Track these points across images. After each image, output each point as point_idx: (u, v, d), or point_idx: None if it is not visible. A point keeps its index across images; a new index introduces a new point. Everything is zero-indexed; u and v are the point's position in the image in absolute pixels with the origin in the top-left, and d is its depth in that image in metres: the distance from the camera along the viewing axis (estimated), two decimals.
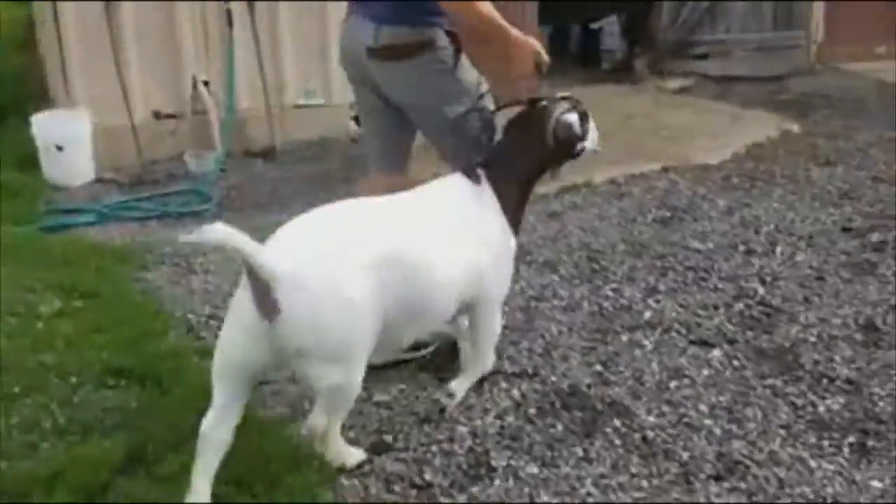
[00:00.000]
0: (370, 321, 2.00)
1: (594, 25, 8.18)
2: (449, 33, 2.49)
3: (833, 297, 3.53)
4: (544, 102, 2.45)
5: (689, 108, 6.85)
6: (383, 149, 2.76)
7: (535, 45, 2.44)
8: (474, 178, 2.35)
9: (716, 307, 3.46)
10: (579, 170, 4.23)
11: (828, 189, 4.90)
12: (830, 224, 4.35)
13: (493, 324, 2.52)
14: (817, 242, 4.11)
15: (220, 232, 1.75)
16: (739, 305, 3.47)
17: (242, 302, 1.93)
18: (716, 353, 3.09)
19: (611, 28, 8.26)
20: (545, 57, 2.44)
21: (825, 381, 2.90)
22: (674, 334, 3.24)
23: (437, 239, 2.19)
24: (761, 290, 3.59)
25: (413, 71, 2.48)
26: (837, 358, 3.04)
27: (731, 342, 3.18)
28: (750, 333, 3.24)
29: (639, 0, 7.70)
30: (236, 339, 1.96)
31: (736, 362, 3.04)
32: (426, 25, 2.45)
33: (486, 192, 2.36)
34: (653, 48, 7.71)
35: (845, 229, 4.25)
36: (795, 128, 6.26)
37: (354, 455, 2.28)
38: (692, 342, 3.17)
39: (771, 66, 7.71)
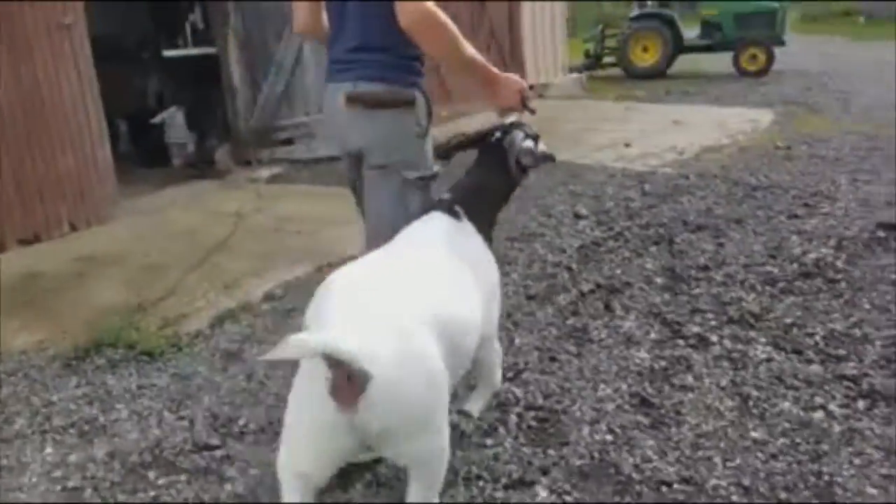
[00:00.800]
0: (447, 383, 1.87)
1: (155, 120, 6.91)
2: (424, 95, 2.42)
3: None
4: (497, 134, 2.46)
5: (298, 196, 5.97)
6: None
7: (520, 81, 2.46)
8: (455, 216, 2.26)
9: None
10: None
11: None
12: None
13: (496, 349, 2.51)
14: None
15: (312, 342, 1.57)
16: None
17: (314, 398, 1.67)
18: None
19: (172, 119, 7.07)
20: (529, 93, 2.48)
21: None
22: None
23: (455, 287, 2.07)
24: None
25: (390, 124, 2.37)
26: None
27: None
28: None
29: (200, 90, 6.69)
30: (309, 433, 1.72)
31: None
32: (407, 85, 2.38)
33: (467, 226, 2.28)
34: (232, 138, 6.73)
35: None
36: None
37: None
38: None
39: None
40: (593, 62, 13.71)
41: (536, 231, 4.95)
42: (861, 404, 2.78)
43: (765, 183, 5.84)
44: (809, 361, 3.12)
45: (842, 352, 3.18)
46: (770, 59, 12.68)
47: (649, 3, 13.82)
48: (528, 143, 2.44)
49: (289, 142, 6.94)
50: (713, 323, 3.50)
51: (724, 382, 2.98)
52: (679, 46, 13.22)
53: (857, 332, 3.35)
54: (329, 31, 2.48)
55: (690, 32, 13.46)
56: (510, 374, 3.08)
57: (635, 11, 13.73)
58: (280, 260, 4.55)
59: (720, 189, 5.69)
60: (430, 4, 2.19)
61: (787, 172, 6.14)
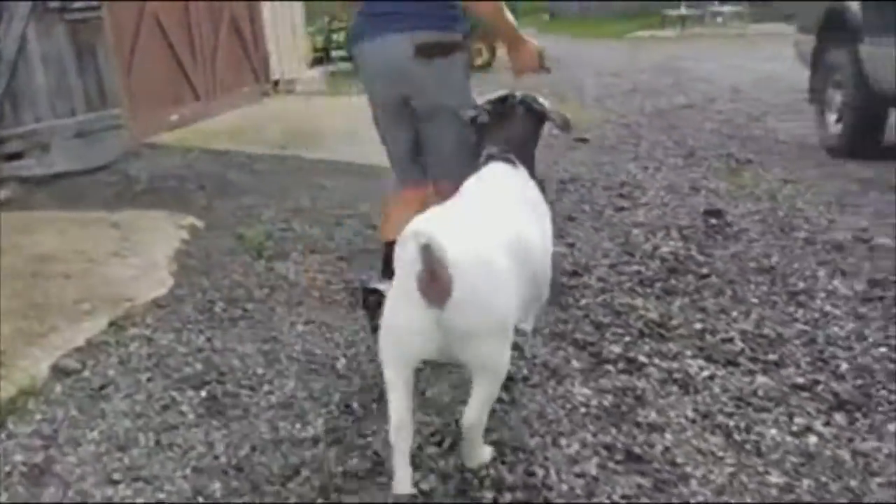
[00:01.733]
0: (516, 298, 2.05)
1: None
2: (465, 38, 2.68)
3: None
4: (522, 97, 2.62)
5: (50, 227, 4.66)
6: (412, 164, 2.86)
7: (537, 45, 2.76)
8: (512, 164, 2.45)
9: None
10: None
11: None
12: None
13: (548, 268, 2.46)
14: None
15: (423, 236, 1.78)
16: None
17: (406, 293, 1.87)
18: None
19: None
20: (545, 56, 2.78)
21: None
22: None
23: (527, 219, 2.29)
24: None
25: (450, 68, 2.62)
26: None
27: None
28: None
29: None
30: (405, 327, 1.92)
31: None
32: (453, 31, 2.63)
33: (522, 171, 2.47)
34: None
35: None
36: (200, 224, 4.77)
37: (487, 451, 2.22)
38: None
39: (100, 154, 5.94)
40: (323, 56, 13.04)
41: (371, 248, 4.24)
42: (840, 418, 2.48)
43: (567, 176, 5.61)
44: (752, 373, 2.79)
45: (771, 356, 2.90)
46: (493, 53, 12.88)
47: None
48: (555, 107, 2.70)
49: (17, 156, 5.47)
50: (627, 339, 3.07)
51: (689, 413, 2.54)
52: None
53: (768, 331, 3.10)
54: None
55: None
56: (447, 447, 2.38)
57: None
58: (55, 316, 3.39)
59: None
60: None
61: (581, 164, 5.97)
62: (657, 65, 13.24)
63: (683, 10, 17.17)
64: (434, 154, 2.76)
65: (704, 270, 3.73)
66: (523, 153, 2.52)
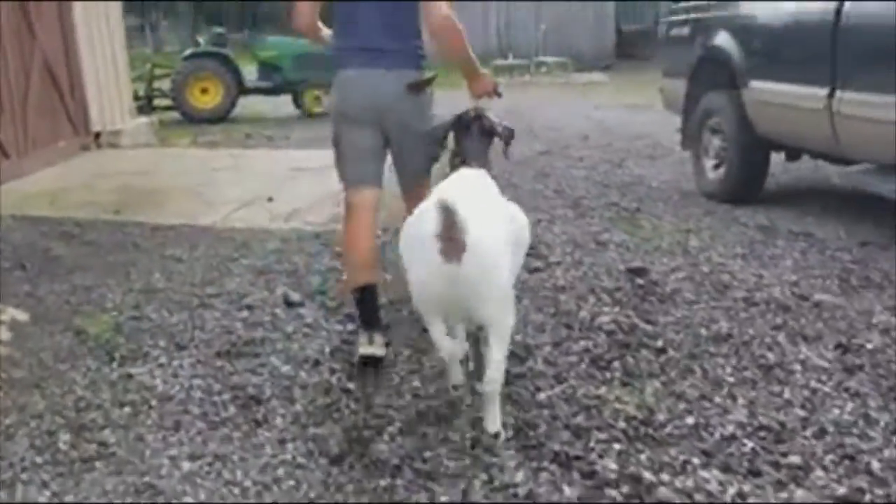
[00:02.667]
0: (510, 261, 2.45)
1: None
2: None
3: None
4: (480, 114, 2.97)
5: None
6: (373, 168, 3.10)
7: (492, 78, 3.17)
8: (478, 168, 2.80)
9: None
10: None
11: None
12: None
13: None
14: None
15: (448, 203, 2.19)
16: None
17: (428, 254, 2.22)
18: None
19: None
20: (497, 85, 3.18)
21: None
22: None
23: (504, 202, 2.70)
24: None
25: (426, 100, 3.07)
26: None
27: None
28: None
29: None
30: (428, 282, 2.29)
31: None
32: (423, 68, 3.05)
33: (485, 174, 2.81)
34: None
35: None
36: (23, 316, 3.67)
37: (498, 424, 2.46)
38: None
39: None
40: (145, 105, 11.73)
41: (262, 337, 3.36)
42: None
43: None
44: (781, 484, 2.24)
45: (792, 458, 2.37)
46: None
47: (201, 40, 12.32)
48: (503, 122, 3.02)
49: None
50: (617, 447, 2.44)
51: None
52: (241, 88, 11.96)
53: (768, 421, 2.58)
54: (338, 24, 3.05)
55: (247, 73, 12.30)
56: None
57: (189, 50, 12.10)
58: None
59: None
60: (452, 12, 2.87)
61: None
62: (504, 111, 13.05)
63: (511, 61, 17.28)
64: (408, 167, 3.14)
65: (659, 344, 3.18)
66: (483, 158, 2.92)
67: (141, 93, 11.95)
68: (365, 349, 2.94)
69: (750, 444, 2.44)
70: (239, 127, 11.09)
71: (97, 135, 8.10)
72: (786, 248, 4.45)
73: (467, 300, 2.28)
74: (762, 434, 2.51)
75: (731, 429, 2.54)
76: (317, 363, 3.10)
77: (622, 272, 4.05)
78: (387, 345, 3.09)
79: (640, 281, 3.91)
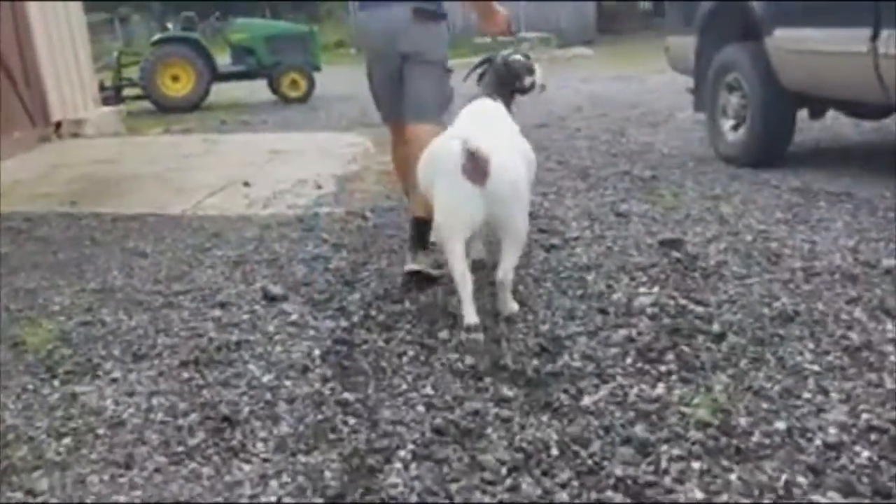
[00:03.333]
0: (526, 178, 2.74)
1: None
2: None
3: None
4: (506, 59, 3.15)
5: None
6: (399, 105, 3.21)
7: (506, 13, 3.28)
8: (495, 99, 3.02)
9: None
10: None
11: None
12: None
13: None
14: None
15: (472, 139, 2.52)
16: None
17: (455, 178, 2.52)
18: None
19: None
20: (512, 22, 3.38)
21: None
22: None
23: (516, 129, 2.94)
24: None
25: (438, 31, 3.16)
26: None
27: None
28: None
29: None
30: (457, 205, 2.58)
31: None
32: (438, 5, 3.16)
33: (501, 105, 3.03)
34: None
35: None
36: None
37: (515, 305, 2.78)
38: None
39: None
40: (113, 94, 11.04)
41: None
42: None
43: None
44: None
45: None
46: (311, 83, 11.47)
47: (171, 25, 11.62)
48: (518, 58, 3.19)
49: None
50: (697, 466, 1.87)
51: None
52: (214, 74, 11.28)
53: (877, 422, 2.02)
54: None
55: (221, 58, 11.62)
56: None
57: (158, 35, 11.39)
58: None
59: None
60: None
61: None
62: None
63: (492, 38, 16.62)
64: (415, 96, 3.13)
65: (716, 328, 2.61)
66: (504, 93, 3.08)
67: (108, 83, 11.27)
68: (409, 266, 3.08)
69: (865, 454, 1.88)
70: (214, 114, 10.44)
71: (58, 125, 7.43)
72: (830, 210, 3.89)
73: (489, 215, 2.58)
74: (874, 438, 1.95)
75: (833, 433, 1.97)
76: (305, 370, 2.51)
77: (653, 246, 3.48)
78: (439, 267, 3.06)
79: (676, 254, 3.34)
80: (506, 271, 2.70)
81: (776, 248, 3.36)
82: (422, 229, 3.08)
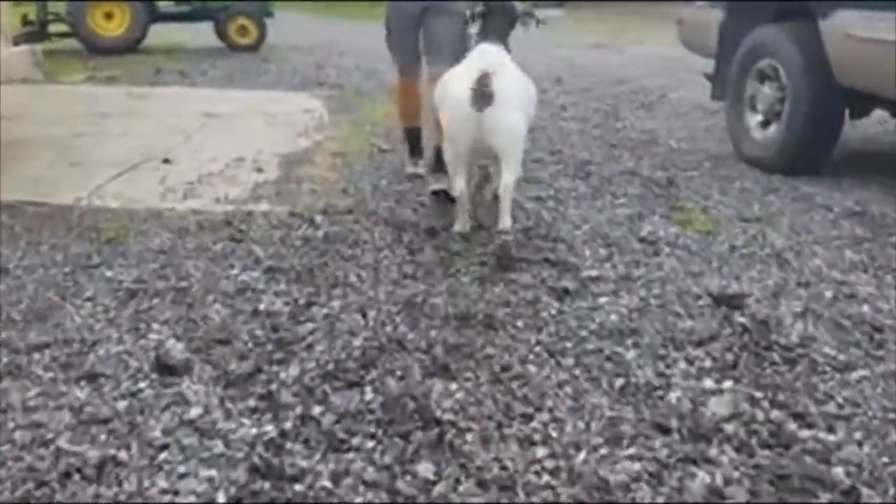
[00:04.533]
0: (523, 109, 2.96)
1: None
2: None
3: None
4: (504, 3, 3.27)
5: None
6: (417, 55, 3.59)
7: None
8: (496, 44, 3.11)
9: None
10: None
11: None
12: None
13: None
14: None
15: (491, 66, 2.82)
16: None
17: (461, 104, 2.79)
18: None
19: None
20: None
21: None
22: None
23: (518, 67, 3.10)
24: None
25: None
26: None
27: None
28: None
29: None
30: (459, 127, 2.85)
31: None
32: None
33: (503, 49, 3.13)
34: None
35: None
36: None
37: (509, 219, 2.86)
38: None
39: None
40: (38, 32, 9.57)
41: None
42: None
43: (414, 220, 3.35)
44: None
45: None
46: (262, 31, 10.16)
47: None
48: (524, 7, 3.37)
49: None
50: None
51: None
52: (153, 14, 9.87)
53: None
54: None
55: None
56: None
57: None
58: None
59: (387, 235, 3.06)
60: None
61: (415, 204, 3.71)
62: None
63: None
64: (438, 43, 3.45)
65: (839, 474, 1.68)
66: (503, 38, 3.21)
67: (32, 16, 9.79)
68: (434, 186, 3.45)
69: None
70: (149, 59, 9.07)
71: None
72: None
73: (488, 138, 2.80)
74: None
75: None
76: None
77: (703, 299, 2.52)
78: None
79: (739, 318, 2.39)
80: (506, 186, 2.85)
81: (870, 315, 2.44)
82: (415, 137, 3.77)
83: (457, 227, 3.06)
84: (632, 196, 3.70)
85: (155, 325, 2.33)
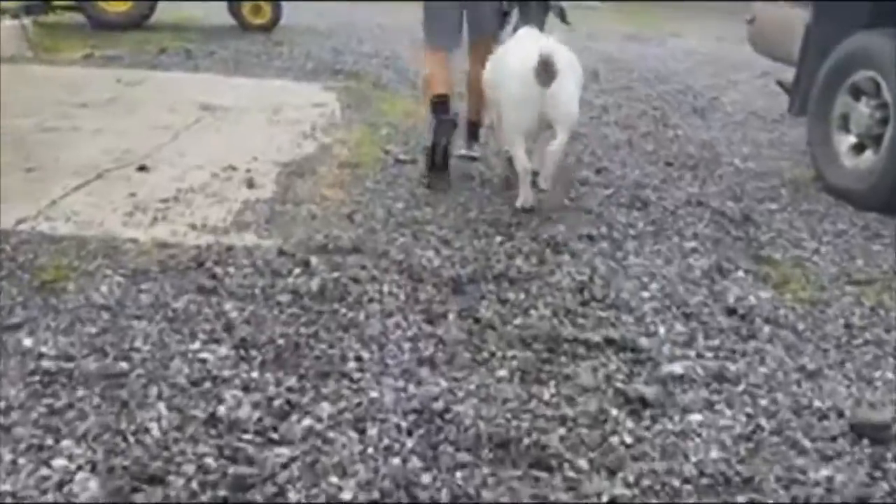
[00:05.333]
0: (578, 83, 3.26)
1: None
2: None
3: None
4: None
5: None
6: (456, 35, 3.62)
7: None
8: (539, 29, 3.37)
9: None
10: None
11: None
12: None
13: None
14: None
15: (549, 46, 3.06)
16: None
17: (526, 81, 2.98)
18: None
19: None
20: None
21: None
22: None
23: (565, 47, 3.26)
24: None
25: None
26: None
27: None
28: None
29: None
30: (525, 101, 3.03)
31: None
32: None
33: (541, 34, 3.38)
34: None
35: None
36: None
37: (548, 182, 3.18)
38: None
39: None
40: (41, 4, 8.84)
41: None
42: None
43: (435, 266, 2.62)
44: None
45: None
46: (278, 11, 9.38)
47: None
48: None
49: None
50: None
51: None
52: None
53: None
54: None
55: None
56: None
57: None
58: None
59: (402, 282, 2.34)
60: None
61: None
62: None
63: None
64: (479, 24, 3.57)
65: None
66: (538, 20, 3.42)
67: None
68: (462, 151, 3.71)
69: None
70: (155, 37, 8.34)
71: None
72: None
73: (550, 110, 3.02)
74: None
75: None
76: None
77: (835, 424, 1.78)
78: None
79: (889, 464, 1.65)
80: (560, 144, 3.09)
81: None
82: (473, 129, 3.75)
83: (520, 202, 3.14)
84: (703, 237, 2.96)
85: (66, 444, 1.62)
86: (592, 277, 2.53)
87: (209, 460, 1.58)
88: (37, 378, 1.85)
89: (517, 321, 2.21)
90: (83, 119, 4.24)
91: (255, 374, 1.90)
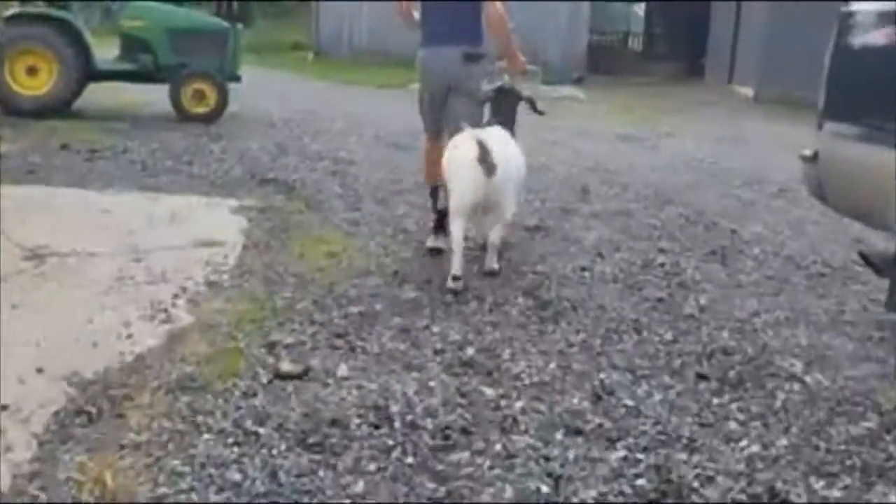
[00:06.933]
0: (517, 180, 3.66)
1: None
2: None
3: None
4: (511, 87, 3.99)
5: None
6: (440, 123, 3.96)
7: (524, 59, 4.13)
8: (507, 128, 3.81)
9: None
10: None
11: None
12: None
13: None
14: None
15: (484, 139, 3.37)
16: None
17: (472, 171, 3.31)
18: None
19: None
20: (525, 66, 4.18)
21: None
22: None
23: (515, 148, 3.72)
24: None
25: (478, 70, 3.89)
26: None
27: None
28: None
29: None
30: (470, 190, 3.36)
31: None
32: (481, 45, 3.88)
33: (507, 132, 3.78)
34: None
35: None
36: None
37: (495, 264, 3.63)
38: None
39: None
40: None
41: None
42: None
43: None
44: None
45: None
46: (223, 97, 8.06)
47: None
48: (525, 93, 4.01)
49: None
50: None
51: None
52: (90, 70, 7.78)
53: None
54: (426, 14, 3.93)
55: (107, 51, 8.18)
56: None
57: (12, 10, 7.88)
58: None
59: None
60: (502, 8, 3.80)
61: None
62: None
63: None
64: (457, 116, 3.78)
65: None
66: (508, 117, 3.88)
67: None
68: (432, 244, 3.91)
69: None
70: (72, 127, 6.98)
71: None
72: None
73: (491, 195, 3.38)
74: None
75: None
76: None
77: None
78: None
79: None
80: (495, 236, 3.57)
81: None
82: (436, 195, 4.01)
83: (452, 272, 3.38)
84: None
85: None
86: None
87: None
88: None
89: None
90: None
91: None
